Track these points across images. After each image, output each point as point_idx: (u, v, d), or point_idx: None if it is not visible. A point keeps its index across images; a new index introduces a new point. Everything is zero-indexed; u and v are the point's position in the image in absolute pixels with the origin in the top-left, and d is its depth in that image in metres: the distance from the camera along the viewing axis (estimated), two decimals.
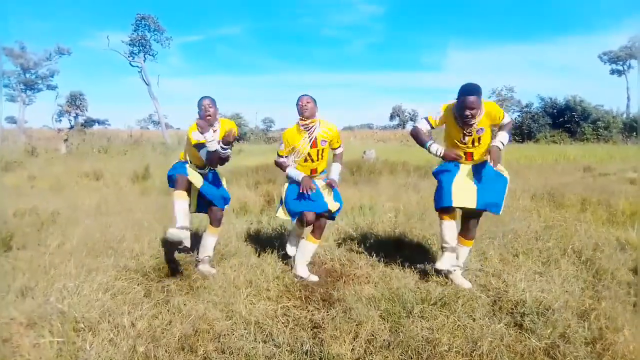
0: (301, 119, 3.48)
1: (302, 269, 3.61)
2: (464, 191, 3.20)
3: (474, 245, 3.72)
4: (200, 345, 2.48)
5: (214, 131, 3.43)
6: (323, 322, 2.76)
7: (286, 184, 3.70)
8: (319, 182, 3.65)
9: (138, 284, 3.31)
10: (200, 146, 3.43)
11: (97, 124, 41.56)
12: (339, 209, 3.71)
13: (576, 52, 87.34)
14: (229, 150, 3.40)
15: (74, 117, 39.44)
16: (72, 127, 34.50)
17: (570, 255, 3.85)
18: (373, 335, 2.57)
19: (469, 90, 3.02)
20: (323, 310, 2.95)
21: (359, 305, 2.88)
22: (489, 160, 3.12)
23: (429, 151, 3.22)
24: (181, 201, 3.49)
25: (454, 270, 3.34)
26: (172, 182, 3.61)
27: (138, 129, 42.69)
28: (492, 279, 3.34)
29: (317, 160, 3.60)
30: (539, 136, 28.15)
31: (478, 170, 3.26)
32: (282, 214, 3.69)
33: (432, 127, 3.29)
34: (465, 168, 3.29)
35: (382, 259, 3.85)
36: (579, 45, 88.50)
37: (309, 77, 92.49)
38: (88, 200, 7.00)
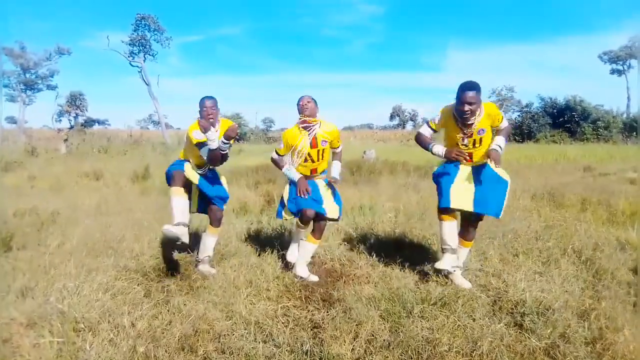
0: (301, 118, 3.49)
1: (302, 269, 3.61)
2: (461, 193, 3.22)
3: (474, 245, 3.73)
4: (200, 345, 2.48)
5: (216, 131, 3.44)
6: (323, 322, 2.76)
7: (287, 186, 3.70)
8: (320, 183, 3.65)
9: (138, 284, 3.31)
10: (201, 145, 3.43)
11: (97, 124, 41.62)
12: (339, 209, 3.70)
13: (576, 52, 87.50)
14: (229, 146, 3.39)
15: (74, 117, 39.48)
16: (72, 127, 34.50)
17: (570, 255, 3.85)
18: (373, 335, 2.57)
19: (468, 86, 3.06)
20: (323, 310, 2.95)
21: (359, 305, 2.88)
22: (489, 162, 3.13)
23: (433, 153, 3.29)
24: (178, 197, 3.48)
25: (454, 271, 3.34)
26: (169, 179, 3.61)
27: (138, 129, 42.74)
28: (492, 279, 3.33)
29: (318, 160, 3.60)
30: (539, 136, 28.15)
31: (478, 173, 3.27)
32: (287, 215, 3.70)
33: (434, 131, 3.35)
34: (465, 170, 3.30)
35: (382, 259, 3.85)
36: (579, 45, 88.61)
37: (309, 77, 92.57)
38: (88, 200, 6.99)
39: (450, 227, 3.32)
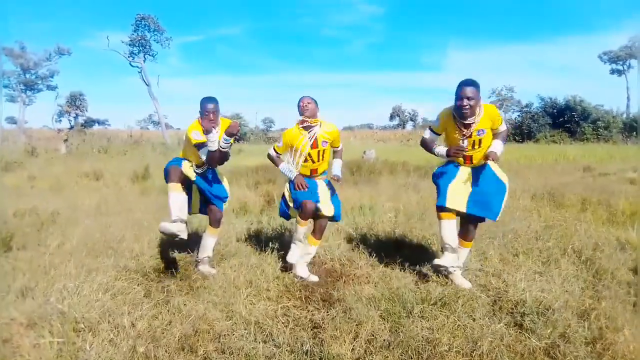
0: (302, 118, 3.50)
1: (302, 269, 3.61)
2: (457, 194, 3.26)
3: (474, 245, 3.73)
4: (200, 345, 2.48)
5: (216, 132, 3.43)
6: (323, 322, 2.76)
7: (287, 184, 3.71)
8: (320, 183, 3.65)
9: (138, 284, 3.30)
10: (200, 146, 3.43)
11: (97, 124, 41.64)
12: (335, 209, 3.69)
13: (576, 52, 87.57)
14: (230, 144, 3.39)
15: (74, 117, 39.47)
16: (72, 127, 34.51)
17: (570, 255, 3.85)
18: (373, 335, 2.57)
19: (466, 82, 3.12)
20: (323, 310, 2.95)
21: (359, 305, 2.88)
22: (488, 162, 3.15)
23: (437, 155, 3.38)
24: (175, 193, 3.46)
25: (454, 271, 3.35)
26: (167, 175, 3.59)
27: (138, 129, 42.74)
28: (492, 279, 3.34)
29: (318, 161, 3.60)
30: (539, 136, 28.17)
31: (477, 175, 3.29)
32: (293, 214, 3.72)
33: (436, 134, 3.41)
34: (464, 171, 3.32)
35: (382, 259, 3.85)
36: (579, 45, 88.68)
37: (309, 77, 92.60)
38: (88, 200, 6.99)
39: (450, 226, 3.32)
